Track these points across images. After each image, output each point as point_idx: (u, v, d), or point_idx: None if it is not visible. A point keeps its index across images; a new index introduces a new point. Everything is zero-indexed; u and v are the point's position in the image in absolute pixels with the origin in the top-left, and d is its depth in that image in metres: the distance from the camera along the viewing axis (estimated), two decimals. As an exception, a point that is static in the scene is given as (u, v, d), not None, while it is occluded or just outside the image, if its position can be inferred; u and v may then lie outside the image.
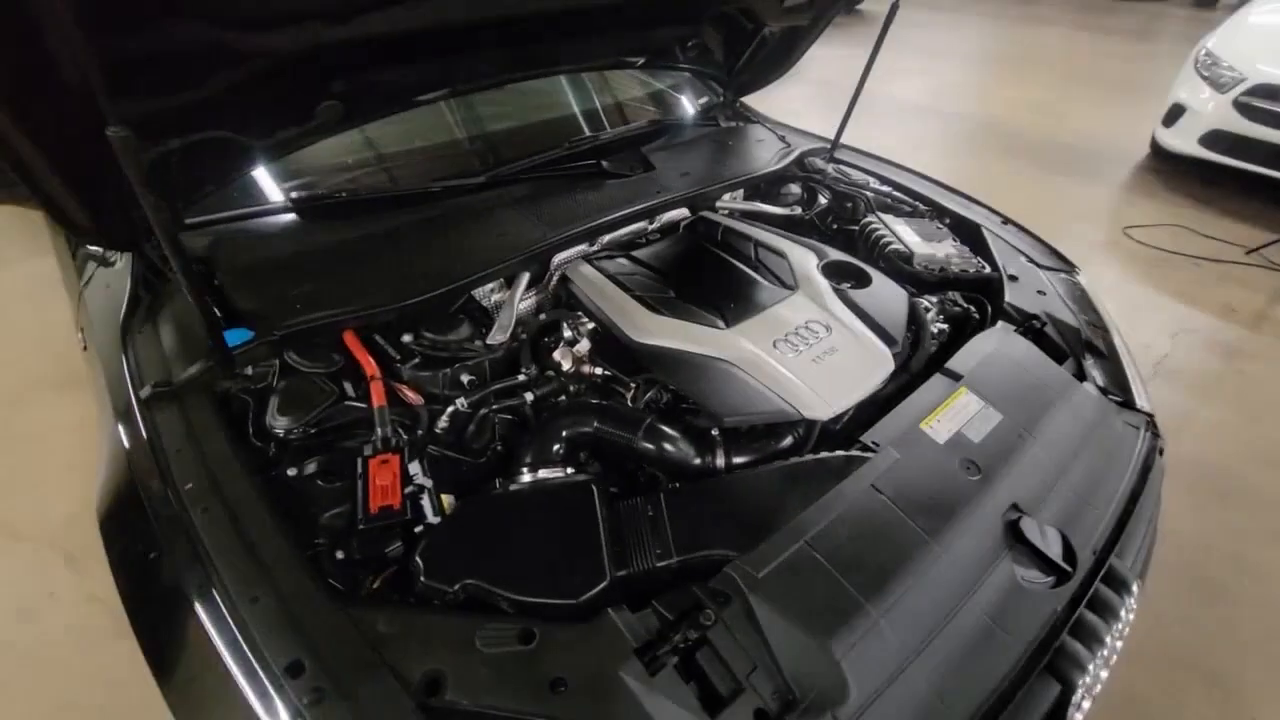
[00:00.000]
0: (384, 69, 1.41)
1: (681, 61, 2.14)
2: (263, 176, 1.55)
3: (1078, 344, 1.54)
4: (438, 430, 1.21)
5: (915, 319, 1.50)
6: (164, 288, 1.38)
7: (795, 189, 2.05)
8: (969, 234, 1.89)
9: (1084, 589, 1.08)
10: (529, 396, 1.30)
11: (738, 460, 1.18)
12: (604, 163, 1.79)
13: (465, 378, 1.31)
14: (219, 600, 0.89)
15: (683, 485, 1.15)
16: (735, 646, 0.90)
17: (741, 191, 1.99)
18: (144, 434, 1.10)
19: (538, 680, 0.84)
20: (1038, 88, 6.55)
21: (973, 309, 1.63)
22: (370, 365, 1.23)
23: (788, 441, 1.21)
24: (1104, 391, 1.44)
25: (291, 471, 1.08)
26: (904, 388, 1.34)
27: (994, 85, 6.74)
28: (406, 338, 1.34)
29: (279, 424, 1.13)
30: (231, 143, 1.26)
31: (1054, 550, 1.09)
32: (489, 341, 1.35)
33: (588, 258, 1.58)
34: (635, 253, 1.63)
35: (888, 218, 1.88)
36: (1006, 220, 1.97)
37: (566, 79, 2.11)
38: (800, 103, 5.75)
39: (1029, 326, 1.57)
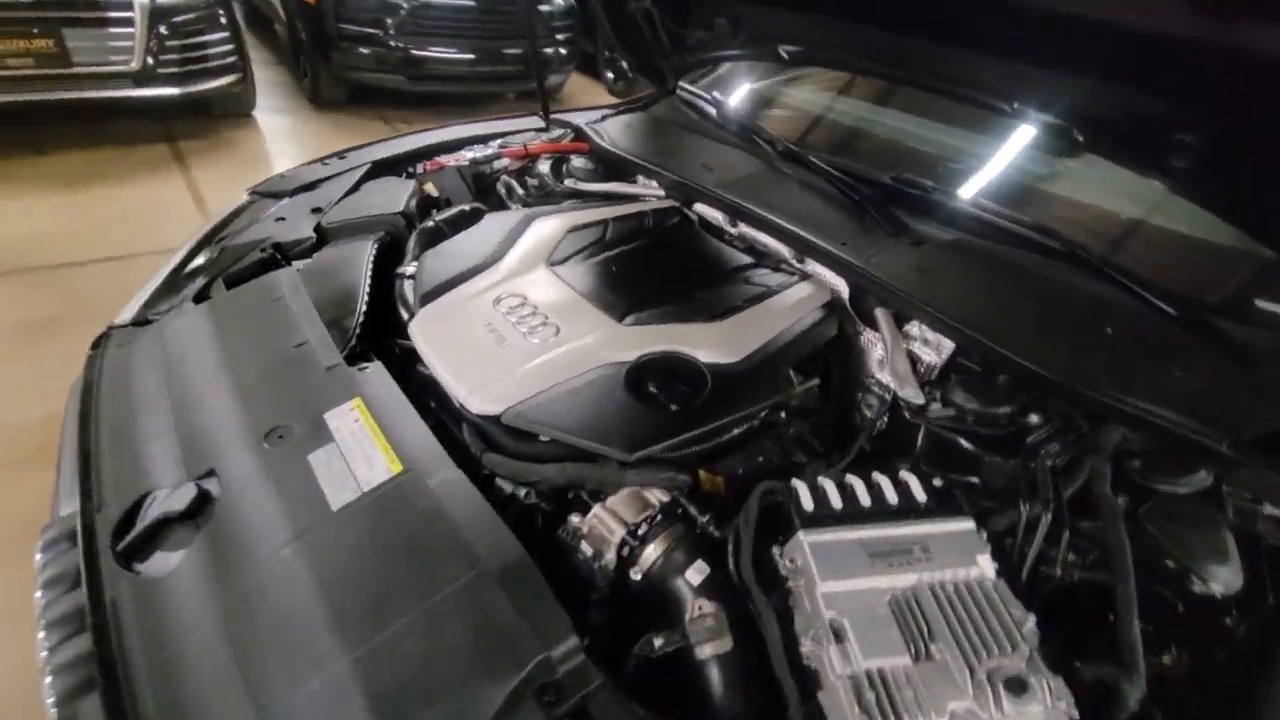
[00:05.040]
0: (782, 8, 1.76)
1: (1093, 142, 1.31)
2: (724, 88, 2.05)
3: None
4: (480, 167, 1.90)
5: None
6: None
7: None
8: None
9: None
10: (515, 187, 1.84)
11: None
12: (881, 196, 1.45)
13: (545, 168, 1.85)
14: None
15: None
16: None
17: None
18: None
19: None
20: None
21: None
22: (569, 144, 1.94)
23: (402, 316, 1.29)
24: None
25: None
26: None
27: None
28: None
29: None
30: (664, 23, 1.84)
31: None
32: (565, 179, 1.84)
33: (697, 214, 1.63)
34: (728, 232, 1.56)
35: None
36: None
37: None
38: None
39: None
